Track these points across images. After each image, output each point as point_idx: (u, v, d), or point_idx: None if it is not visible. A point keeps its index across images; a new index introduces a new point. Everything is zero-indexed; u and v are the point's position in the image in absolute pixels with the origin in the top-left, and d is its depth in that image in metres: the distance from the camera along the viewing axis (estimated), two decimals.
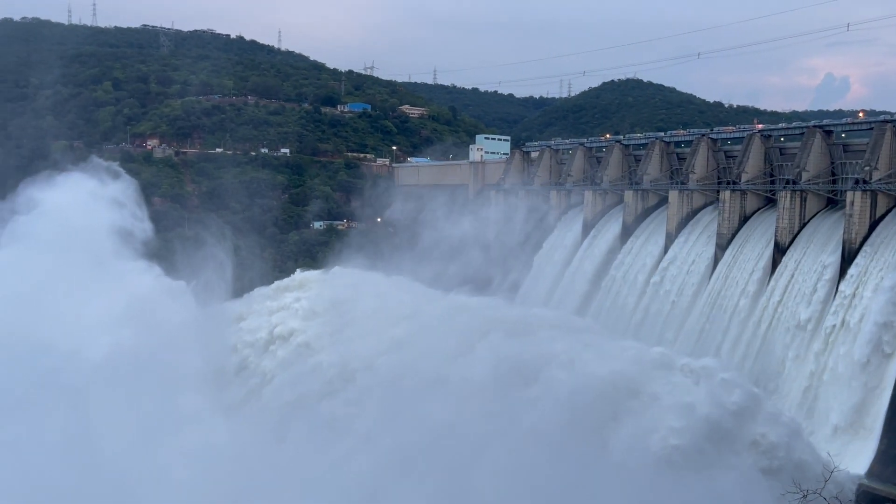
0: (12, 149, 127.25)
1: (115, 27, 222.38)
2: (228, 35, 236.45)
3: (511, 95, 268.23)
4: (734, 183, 65.20)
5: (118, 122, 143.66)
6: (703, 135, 71.24)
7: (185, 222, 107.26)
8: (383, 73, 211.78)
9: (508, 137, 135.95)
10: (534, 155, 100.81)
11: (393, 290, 59.32)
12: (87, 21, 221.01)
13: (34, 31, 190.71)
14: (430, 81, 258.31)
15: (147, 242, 63.84)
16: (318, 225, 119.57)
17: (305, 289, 63.57)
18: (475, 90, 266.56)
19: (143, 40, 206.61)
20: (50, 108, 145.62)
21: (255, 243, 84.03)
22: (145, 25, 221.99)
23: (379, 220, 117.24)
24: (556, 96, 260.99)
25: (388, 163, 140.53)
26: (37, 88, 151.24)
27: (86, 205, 61.72)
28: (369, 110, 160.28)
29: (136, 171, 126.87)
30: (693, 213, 69.55)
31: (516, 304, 56.99)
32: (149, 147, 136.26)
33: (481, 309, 50.03)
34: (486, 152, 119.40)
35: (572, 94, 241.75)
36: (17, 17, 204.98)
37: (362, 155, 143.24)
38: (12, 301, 48.22)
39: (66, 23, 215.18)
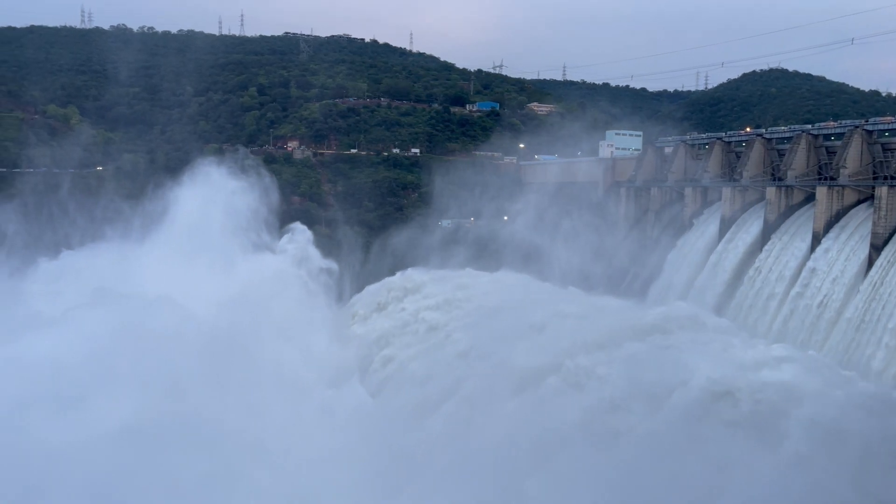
0: (171, 151, 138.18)
1: (260, 35, 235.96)
2: (363, 39, 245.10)
3: (644, 90, 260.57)
4: (893, 178, 60.02)
5: (262, 126, 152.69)
6: (857, 126, 65.98)
7: (321, 220, 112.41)
8: (512, 72, 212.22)
9: (640, 133, 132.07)
10: (667, 150, 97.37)
11: (525, 289, 59.21)
12: (235, 31, 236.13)
13: (188, 43, 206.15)
14: (559, 78, 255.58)
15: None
16: (445, 223, 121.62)
17: (420, 289, 64.86)
18: (605, 85, 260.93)
19: (285, 47, 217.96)
20: (202, 113, 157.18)
21: (385, 240, 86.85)
22: (287, 33, 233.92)
23: (506, 218, 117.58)
24: (692, 89, 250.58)
25: (515, 161, 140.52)
26: (191, 96, 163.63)
27: (229, 200, 67.25)
28: (497, 109, 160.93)
29: (277, 172, 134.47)
30: (843, 212, 64.67)
31: (649, 305, 55.36)
32: (289, 149, 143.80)
33: (620, 311, 48.77)
34: (617, 148, 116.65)
35: (709, 87, 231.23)
36: (174, 30, 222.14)
37: (490, 153, 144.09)
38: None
39: (217, 34, 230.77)
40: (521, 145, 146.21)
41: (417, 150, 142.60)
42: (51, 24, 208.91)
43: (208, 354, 42.77)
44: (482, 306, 56.74)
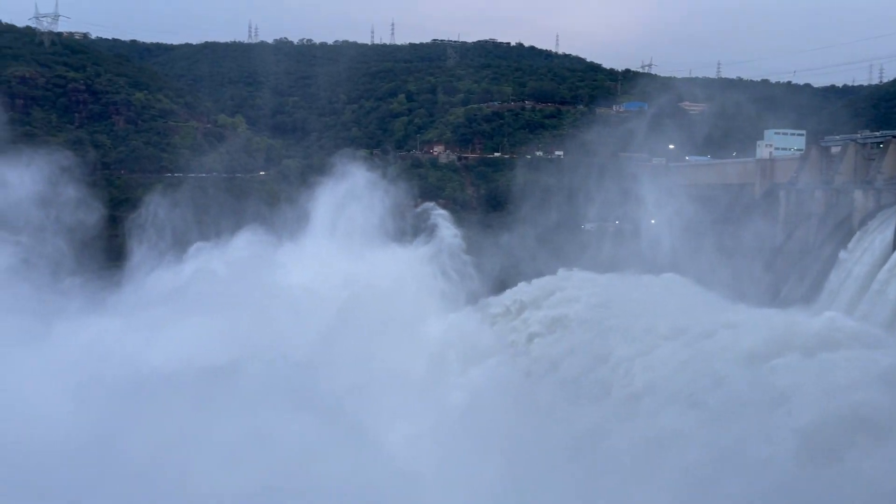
0: (326, 156, 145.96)
1: (409, 43, 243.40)
2: (508, 43, 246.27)
3: (807, 86, 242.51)
4: None
5: (409, 131, 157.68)
6: None
7: (465, 223, 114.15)
8: (662, 70, 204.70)
9: (803, 131, 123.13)
10: (834, 150, 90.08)
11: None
12: (386, 40, 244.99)
13: (342, 53, 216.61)
14: (712, 76, 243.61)
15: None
16: (589, 226, 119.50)
17: (566, 290, 63.75)
18: (765, 82, 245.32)
19: (433, 54, 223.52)
20: (354, 120, 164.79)
21: (527, 243, 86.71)
22: (435, 40, 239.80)
23: (653, 221, 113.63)
24: (864, 84, 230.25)
25: (664, 162, 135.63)
26: (344, 103, 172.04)
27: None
28: (645, 108, 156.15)
29: (423, 176, 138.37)
30: None
31: (811, 316, 51.46)
32: (434, 153, 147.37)
33: (782, 322, 45.69)
34: (776, 148, 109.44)
35: (884, 81, 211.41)
36: (330, 41, 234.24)
37: (637, 154, 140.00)
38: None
39: (369, 43, 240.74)
40: (671, 146, 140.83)
41: (561, 153, 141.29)
42: (222, 41, 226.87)
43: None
44: (632, 309, 54.98)
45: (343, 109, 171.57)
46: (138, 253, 66.64)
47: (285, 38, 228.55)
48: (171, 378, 34.12)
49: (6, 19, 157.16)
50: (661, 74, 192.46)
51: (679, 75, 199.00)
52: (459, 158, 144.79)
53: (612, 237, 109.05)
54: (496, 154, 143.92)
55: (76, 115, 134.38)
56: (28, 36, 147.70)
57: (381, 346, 45.03)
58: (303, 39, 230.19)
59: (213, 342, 40.29)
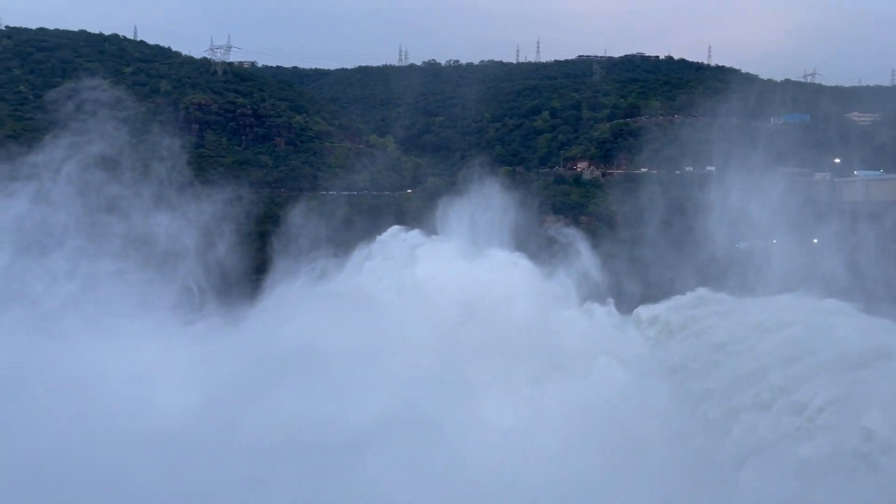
0: (468, 175, 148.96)
1: (555, 60, 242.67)
2: (657, 56, 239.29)
3: None
4: None
5: (553, 148, 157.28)
6: None
7: (607, 240, 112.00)
8: (827, 80, 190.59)
9: None
10: None
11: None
12: (531, 58, 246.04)
13: (488, 72, 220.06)
14: (885, 83, 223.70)
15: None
16: (743, 245, 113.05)
17: (715, 312, 60.05)
18: None
19: (578, 70, 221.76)
20: (498, 138, 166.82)
21: (674, 262, 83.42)
22: (580, 56, 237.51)
23: (815, 241, 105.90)
24: None
25: (828, 177, 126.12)
26: (488, 122, 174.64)
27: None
28: (807, 121, 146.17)
29: (566, 193, 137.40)
30: None
31: None
32: (578, 169, 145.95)
33: None
34: None
35: None
36: (476, 62, 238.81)
37: (798, 170, 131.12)
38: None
39: (514, 61, 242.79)
40: (836, 160, 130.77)
41: (713, 168, 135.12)
42: (374, 65, 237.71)
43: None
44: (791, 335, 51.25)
45: (487, 128, 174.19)
46: (282, 265, 70.56)
47: (433, 59, 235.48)
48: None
49: (186, 52, 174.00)
50: (826, 84, 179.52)
51: (846, 84, 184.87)
52: (604, 174, 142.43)
53: (769, 257, 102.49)
54: (643, 170, 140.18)
55: (243, 137, 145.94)
56: (204, 66, 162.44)
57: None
58: (450, 61, 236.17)
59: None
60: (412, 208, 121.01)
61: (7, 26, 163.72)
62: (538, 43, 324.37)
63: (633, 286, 69.29)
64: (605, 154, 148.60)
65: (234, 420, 34.52)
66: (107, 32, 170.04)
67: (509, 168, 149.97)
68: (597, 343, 52.29)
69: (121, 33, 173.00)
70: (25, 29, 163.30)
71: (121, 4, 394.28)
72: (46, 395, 35.27)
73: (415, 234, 73.09)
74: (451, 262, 63.01)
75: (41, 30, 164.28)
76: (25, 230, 51.54)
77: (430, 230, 72.55)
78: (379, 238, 73.49)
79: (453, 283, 57.00)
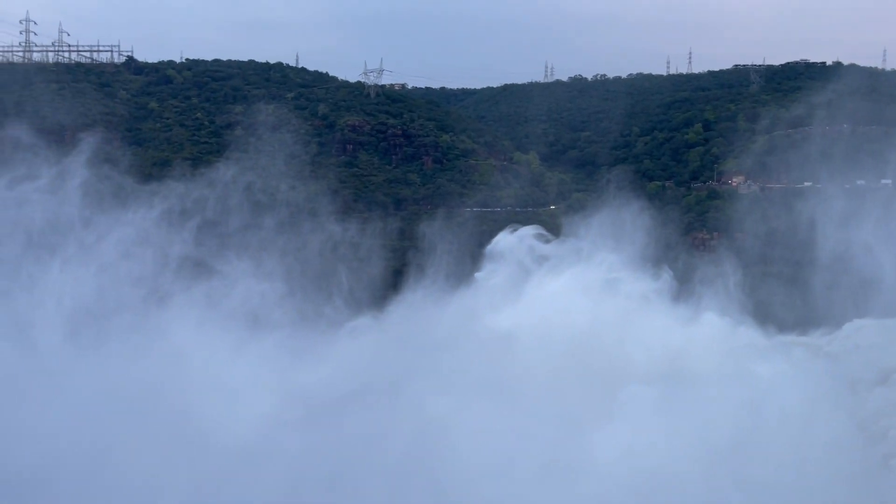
0: (615, 190, 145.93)
1: (708, 71, 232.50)
2: (823, 63, 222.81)
3: None
4: None
5: (706, 162, 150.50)
6: None
7: (764, 259, 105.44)
8: None
9: None
10: None
11: None
12: (683, 69, 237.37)
13: (636, 86, 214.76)
14: None
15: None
16: None
17: None
18: None
19: (734, 80, 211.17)
20: (647, 152, 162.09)
21: (830, 283, 76.34)
22: (736, 65, 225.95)
23: None
24: None
25: None
26: (636, 136, 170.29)
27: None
28: None
29: (719, 208, 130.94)
30: None
31: None
32: (733, 183, 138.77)
33: None
34: None
35: None
36: (623, 75, 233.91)
37: None
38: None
39: (665, 73, 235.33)
40: None
41: (888, 181, 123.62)
42: (520, 82, 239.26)
43: None
44: None
45: (635, 142, 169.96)
46: (417, 282, 71.29)
47: (579, 75, 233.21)
48: None
49: (342, 76, 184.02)
50: None
51: None
52: (762, 189, 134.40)
53: None
54: (806, 184, 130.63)
55: (393, 157, 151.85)
56: (358, 89, 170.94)
57: None
58: (597, 75, 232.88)
59: None
60: (556, 224, 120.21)
61: (187, 59, 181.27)
62: (690, 53, 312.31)
63: (785, 309, 64.25)
64: (763, 167, 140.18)
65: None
66: (272, 61, 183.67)
67: (658, 183, 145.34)
68: (736, 366, 48.95)
69: (284, 61, 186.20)
70: (203, 60, 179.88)
71: (285, 35, 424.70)
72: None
73: (544, 244, 70.42)
74: (573, 293, 60.70)
75: (216, 61, 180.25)
76: (196, 244, 56.51)
77: (571, 245, 70.53)
78: (504, 239, 71.22)
79: (575, 319, 55.39)
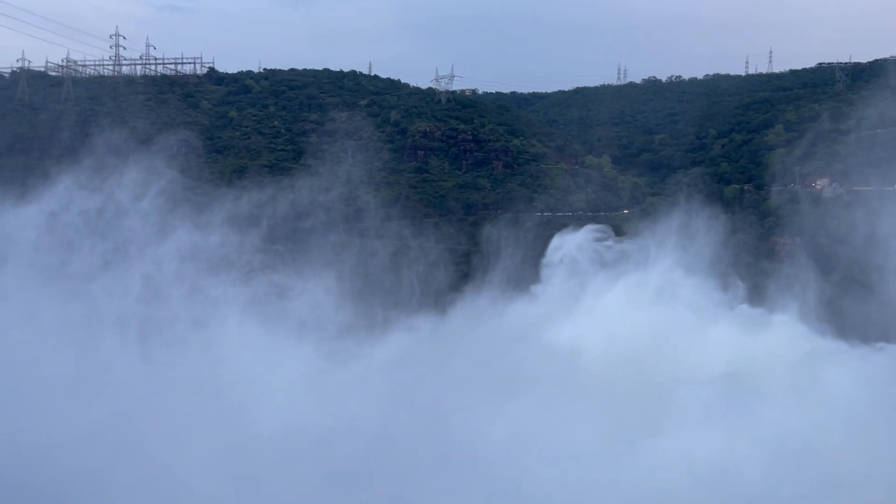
0: (693, 193, 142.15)
1: (790, 70, 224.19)
2: None
3: None
4: None
5: (787, 164, 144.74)
6: None
7: (849, 265, 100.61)
8: None
9: None
10: None
11: None
12: (763, 69, 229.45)
13: (713, 86, 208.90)
14: None
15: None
16: None
17: None
18: None
19: (818, 79, 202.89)
20: (724, 155, 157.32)
21: None
22: (820, 64, 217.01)
23: None
24: None
25: None
26: (713, 138, 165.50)
27: None
28: None
29: (802, 212, 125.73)
30: None
31: None
32: (817, 187, 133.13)
33: None
34: None
35: None
36: (699, 76, 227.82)
37: None
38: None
39: (743, 73, 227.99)
40: None
41: None
42: (591, 85, 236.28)
43: None
44: None
45: (711, 144, 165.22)
46: (480, 287, 70.90)
47: (654, 76, 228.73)
48: None
49: (414, 83, 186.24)
50: None
51: None
52: (849, 192, 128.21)
53: None
54: None
55: (463, 162, 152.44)
56: (429, 96, 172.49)
57: None
58: (672, 76, 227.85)
59: None
60: (629, 229, 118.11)
61: (265, 69, 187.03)
62: (770, 52, 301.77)
63: (865, 316, 60.99)
64: (849, 169, 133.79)
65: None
66: (346, 69, 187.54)
67: (736, 186, 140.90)
68: (806, 371, 47.05)
69: (358, 69, 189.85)
70: (280, 70, 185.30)
71: (359, 43, 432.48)
72: None
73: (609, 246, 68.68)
74: (634, 305, 59.14)
75: (292, 70, 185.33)
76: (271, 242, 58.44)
77: (635, 248, 68.89)
78: (563, 242, 69.83)
79: (636, 329, 54.13)
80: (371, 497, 33.87)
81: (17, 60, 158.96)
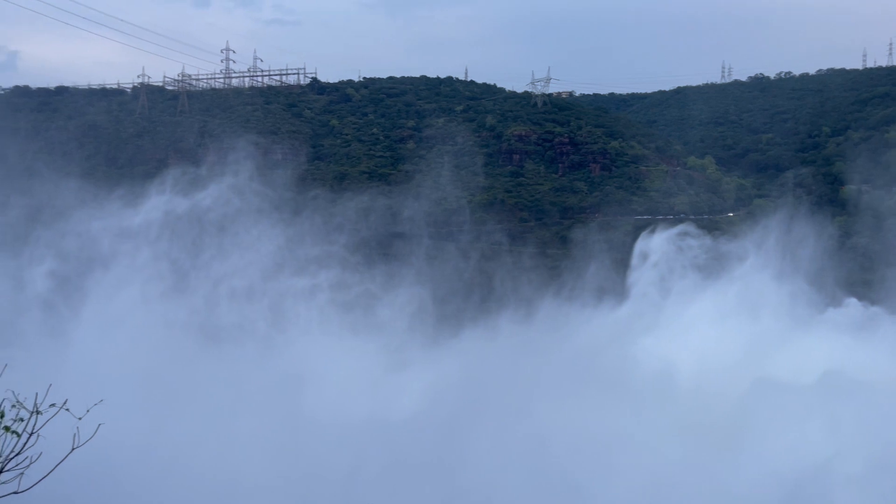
0: (801, 195, 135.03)
1: None
2: None
3: None
4: None
5: None
6: None
7: None
8: None
9: None
10: None
11: None
12: (882, 62, 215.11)
13: (826, 82, 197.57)
14: None
15: None
16: None
17: None
18: None
19: None
20: (839, 154, 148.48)
21: None
22: None
23: None
24: None
25: None
26: (826, 136, 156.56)
27: None
28: None
29: None
30: None
31: None
32: None
33: None
34: None
35: None
36: (812, 71, 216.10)
37: None
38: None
39: (860, 67, 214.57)
40: None
41: None
42: (693, 84, 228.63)
43: None
44: None
45: (825, 143, 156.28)
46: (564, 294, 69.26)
47: (761, 73, 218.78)
48: None
49: (509, 87, 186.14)
50: None
51: None
52: None
53: None
54: None
55: (559, 165, 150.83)
56: (525, 99, 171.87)
57: None
58: (780, 73, 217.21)
59: None
60: (733, 232, 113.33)
61: (364, 77, 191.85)
62: (891, 44, 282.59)
63: None
64: None
65: None
66: (442, 76, 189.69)
67: (854, 186, 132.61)
68: None
69: (454, 75, 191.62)
70: (378, 79, 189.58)
71: (455, 50, 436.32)
72: None
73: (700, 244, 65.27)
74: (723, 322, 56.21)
75: (390, 78, 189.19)
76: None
77: (741, 253, 65.37)
78: (649, 244, 67.00)
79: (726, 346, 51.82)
80: (446, 486, 34.98)
81: (138, 76, 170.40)
